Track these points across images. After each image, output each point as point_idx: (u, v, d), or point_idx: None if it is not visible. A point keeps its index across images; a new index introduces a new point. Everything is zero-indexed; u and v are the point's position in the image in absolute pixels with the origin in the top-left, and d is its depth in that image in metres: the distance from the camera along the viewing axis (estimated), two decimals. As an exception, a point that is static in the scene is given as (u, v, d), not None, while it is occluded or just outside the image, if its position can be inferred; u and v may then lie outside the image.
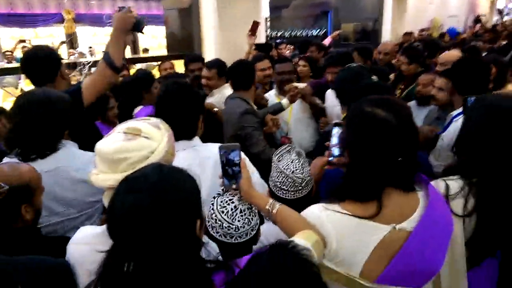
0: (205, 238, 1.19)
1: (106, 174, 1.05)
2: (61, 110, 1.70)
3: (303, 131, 3.13)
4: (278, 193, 1.50)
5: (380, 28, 10.40)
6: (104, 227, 1.12)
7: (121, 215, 0.85)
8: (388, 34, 10.05)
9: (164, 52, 9.26)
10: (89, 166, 1.69)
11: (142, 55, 10.89)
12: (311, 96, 3.07)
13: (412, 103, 3.03)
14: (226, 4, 5.81)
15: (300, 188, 1.48)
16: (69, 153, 1.72)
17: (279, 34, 10.80)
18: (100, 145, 1.07)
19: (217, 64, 3.25)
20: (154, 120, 1.18)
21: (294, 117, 3.13)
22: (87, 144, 1.90)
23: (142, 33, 2.24)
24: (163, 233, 0.85)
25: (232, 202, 1.32)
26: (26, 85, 4.36)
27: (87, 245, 1.09)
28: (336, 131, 1.48)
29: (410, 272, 1.07)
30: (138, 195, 0.86)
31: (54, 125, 1.67)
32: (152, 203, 0.85)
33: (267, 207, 1.25)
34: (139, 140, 1.07)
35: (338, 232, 1.08)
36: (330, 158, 1.50)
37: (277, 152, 1.57)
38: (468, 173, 1.31)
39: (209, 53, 5.73)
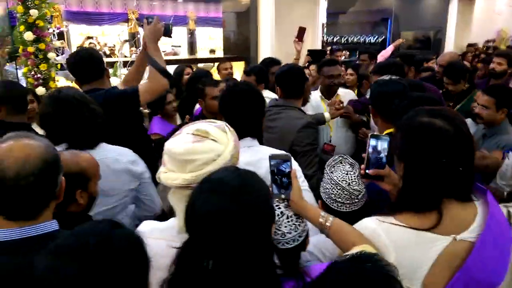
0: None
1: (174, 173, 1.07)
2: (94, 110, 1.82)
3: (344, 140, 3.05)
4: (332, 205, 1.46)
5: (443, 38, 9.96)
6: (168, 222, 1.18)
7: (205, 214, 0.88)
8: (451, 44, 9.60)
9: (220, 54, 9.46)
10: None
11: (208, 55, 11.17)
12: (354, 114, 2.98)
13: (468, 121, 2.88)
14: (283, 9, 5.83)
15: (356, 200, 1.44)
16: (103, 146, 1.84)
17: (335, 40, 10.67)
18: (170, 145, 1.09)
19: (255, 70, 3.20)
20: (220, 123, 1.20)
21: (335, 125, 3.05)
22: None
23: (170, 37, 2.41)
24: (243, 235, 0.88)
25: (279, 208, 1.31)
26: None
27: (158, 240, 1.12)
28: (373, 143, 1.42)
29: (475, 284, 1.02)
30: (222, 197, 0.89)
31: (90, 123, 1.78)
32: (235, 205, 0.88)
33: (320, 219, 1.24)
34: (207, 142, 1.09)
35: (396, 245, 1.05)
36: (366, 170, 1.42)
37: (330, 162, 1.53)
38: None
39: (265, 57, 5.76)
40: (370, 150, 1.40)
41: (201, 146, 1.08)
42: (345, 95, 3.20)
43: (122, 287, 0.79)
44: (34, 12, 3.59)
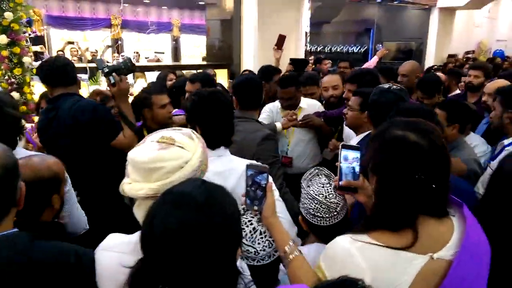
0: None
1: (139, 183, 1.01)
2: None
3: (303, 152, 2.97)
4: (312, 220, 1.40)
5: (424, 49, 10.14)
6: (132, 236, 1.10)
7: (165, 230, 0.80)
8: (432, 55, 9.79)
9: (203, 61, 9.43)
10: None
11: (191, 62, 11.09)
12: (317, 122, 2.90)
13: None
14: (267, 17, 5.84)
15: (335, 213, 1.39)
16: (19, 152, 1.78)
17: (319, 49, 10.76)
18: (134, 154, 1.04)
19: (200, 77, 3.03)
20: (186, 130, 1.15)
21: (296, 137, 2.96)
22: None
23: (134, 71, 2.44)
24: (206, 257, 0.80)
25: (251, 224, 1.26)
26: (87, 85, 4.51)
27: (119, 253, 1.06)
28: (344, 153, 1.37)
29: None
30: (185, 213, 0.81)
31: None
32: (200, 222, 0.81)
33: (286, 248, 1.20)
34: (174, 149, 1.04)
35: (371, 265, 0.99)
36: (339, 182, 1.35)
37: (306, 176, 1.48)
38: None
39: (248, 65, 5.75)
40: (342, 160, 1.36)
41: (167, 153, 1.02)
42: (309, 107, 3.05)
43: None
44: (8, 15, 3.47)
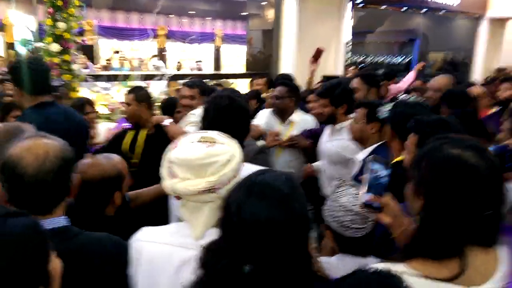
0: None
1: (193, 180, 1.06)
2: None
3: (284, 168, 2.86)
4: (346, 232, 1.37)
5: (472, 60, 9.72)
6: (168, 227, 1.19)
7: (255, 220, 0.86)
8: (480, 67, 9.36)
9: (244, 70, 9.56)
10: None
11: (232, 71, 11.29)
12: (303, 143, 2.81)
13: None
14: (307, 27, 5.84)
15: (370, 221, 1.36)
16: None
17: (360, 59, 10.60)
18: (183, 154, 1.08)
19: (198, 83, 3.00)
20: (212, 131, 1.20)
21: (281, 157, 2.90)
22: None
23: None
24: (287, 243, 0.86)
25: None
26: (117, 91, 4.72)
27: (161, 245, 1.13)
28: (373, 166, 1.27)
29: None
30: (273, 203, 0.87)
31: None
32: (286, 213, 0.87)
33: None
34: (219, 146, 1.11)
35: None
36: (365, 198, 1.26)
37: (334, 188, 1.46)
38: None
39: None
40: (369, 175, 1.27)
41: (216, 149, 1.09)
42: (302, 121, 2.96)
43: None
44: (61, 25, 3.72)
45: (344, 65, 6.45)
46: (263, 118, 3.03)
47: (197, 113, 2.76)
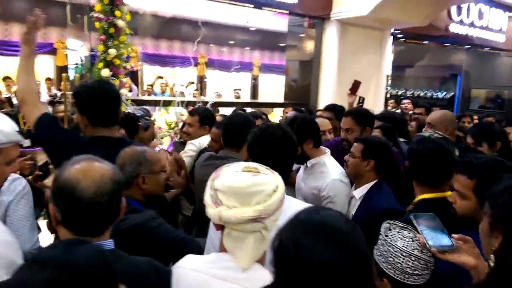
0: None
1: (239, 208, 1.05)
2: None
3: None
4: (407, 280, 1.25)
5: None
6: (212, 255, 1.17)
7: (321, 262, 0.80)
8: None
9: (280, 99, 9.64)
10: None
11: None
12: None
13: None
14: (347, 59, 5.85)
15: (432, 268, 1.25)
16: None
17: (400, 93, 10.45)
18: (229, 182, 1.07)
19: (199, 111, 3.02)
20: (253, 163, 1.19)
21: None
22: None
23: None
24: (356, 282, 0.81)
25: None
26: (160, 115, 4.87)
27: (205, 275, 1.11)
28: (422, 227, 1.23)
29: None
30: (337, 245, 0.81)
31: None
32: (351, 256, 0.81)
33: None
34: (263, 175, 1.11)
35: None
36: (437, 242, 1.21)
37: (381, 236, 1.34)
38: None
39: (325, 104, 5.76)
40: (425, 235, 1.23)
41: (261, 178, 1.09)
42: None
43: None
44: (112, 51, 3.90)
45: (385, 98, 6.37)
46: None
47: (196, 144, 2.77)
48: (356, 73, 5.15)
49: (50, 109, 4.24)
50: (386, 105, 6.34)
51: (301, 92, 6.78)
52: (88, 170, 1.09)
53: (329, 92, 5.92)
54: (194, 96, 7.77)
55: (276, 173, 1.16)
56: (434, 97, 11.00)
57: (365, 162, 2.11)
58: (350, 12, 5.62)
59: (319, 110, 4.95)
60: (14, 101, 5.91)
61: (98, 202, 1.07)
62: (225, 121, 2.33)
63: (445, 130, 2.79)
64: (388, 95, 6.65)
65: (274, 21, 10.62)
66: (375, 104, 6.12)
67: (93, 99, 1.87)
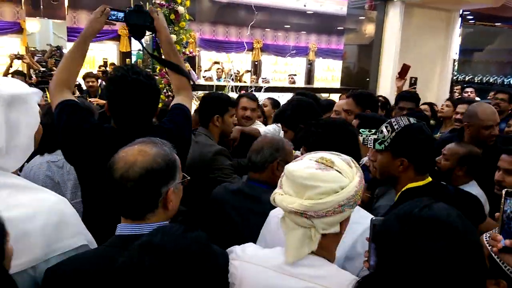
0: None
1: (291, 197, 1.02)
2: None
3: None
4: None
5: None
6: (272, 251, 1.12)
7: (431, 259, 0.78)
8: None
9: (336, 85, 9.43)
10: None
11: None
12: None
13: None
14: (410, 43, 5.56)
15: None
16: None
17: (467, 79, 9.78)
18: (292, 167, 1.04)
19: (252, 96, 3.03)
20: (345, 156, 1.10)
21: None
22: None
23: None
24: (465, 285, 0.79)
25: None
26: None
27: (263, 268, 1.08)
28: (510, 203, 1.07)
29: None
30: (450, 242, 0.79)
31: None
32: (462, 252, 0.79)
33: None
34: (332, 172, 1.01)
35: None
36: (503, 242, 1.07)
37: None
38: None
39: (384, 90, 5.54)
40: (508, 211, 1.08)
41: (326, 175, 1.00)
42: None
43: None
44: (173, 37, 4.00)
45: (450, 83, 6.00)
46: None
47: (266, 128, 2.81)
48: (419, 57, 4.89)
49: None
50: (452, 91, 5.97)
51: (359, 77, 6.58)
52: (128, 153, 1.09)
53: (389, 77, 5.68)
54: (251, 81, 7.78)
55: (357, 176, 1.05)
56: (505, 83, 10.17)
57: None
58: (416, -7, 5.32)
59: (379, 96, 4.78)
60: (83, 87, 6.29)
61: (123, 186, 1.06)
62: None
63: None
64: (454, 82, 6.25)
65: (332, 3, 10.33)
66: (440, 90, 5.79)
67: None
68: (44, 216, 1.09)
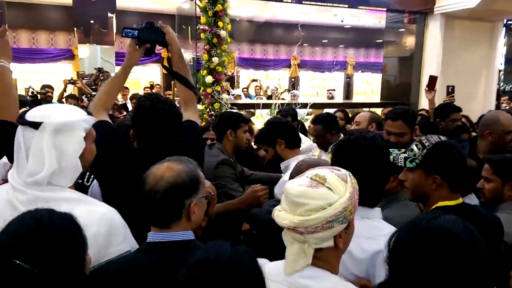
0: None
1: (285, 213, 1.08)
2: None
3: None
4: None
5: None
6: (278, 263, 1.17)
7: (441, 267, 0.83)
8: None
9: (376, 98, 9.32)
10: None
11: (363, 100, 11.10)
12: None
13: None
14: (453, 54, 5.46)
15: None
16: None
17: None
18: (288, 185, 1.11)
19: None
20: (344, 171, 1.12)
21: None
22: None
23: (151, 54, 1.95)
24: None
25: None
26: (256, 118, 5.07)
27: (274, 282, 1.09)
28: None
29: None
30: (458, 254, 0.84)
31: None
32: (467, 263, 0.83)
33: None
34: (321, 189, 1.05)
35: None
36: None
37: None
38: None
39: (426, 102, 5.45)
40: None
41: (314, 192, 1.05)
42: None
43: None
44: (215, 60, 4.19)
45: (497, 94, 5.81)
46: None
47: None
48: (463, 68, 4.80)
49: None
50: (498, 101, 5.77)
51: (399, 90, 6.50)
52: (158, 169, 1.24)
53: (431, 90, 5.58)
54: (292, 98, 7.86)
55: (348, 192, 1.06)
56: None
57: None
58: (456, 5, 5.24)
59: (421, 109, 4.71)
60: (130, 107, 6.64)
61: (151, 198, 1.21)
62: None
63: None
64: (501, 92, 6.03)
65: (370, 17, 10.30)
66: (486, 101, 5.61)
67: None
68: (95, 226, 1.24)
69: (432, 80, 4.11)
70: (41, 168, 1.25)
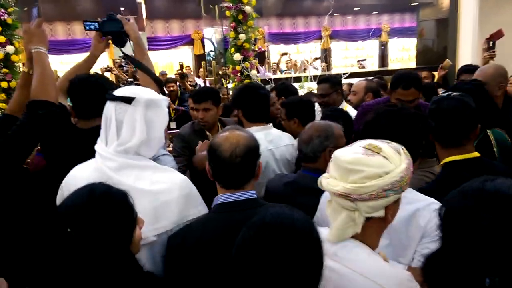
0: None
1: (336, 181, 1.07)
2: None
3: None
4: None
5: None
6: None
7: (494, 229, 0.81)
8: None
9: (413, 65, 8.99)
10: None
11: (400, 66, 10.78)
12: None
13: None
14: (490, 13, 5.15)
15: None
16: None
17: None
18: (340, 153, 1.09)
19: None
20: (395, 144, 1.11)
21: None
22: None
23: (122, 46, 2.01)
24: None
25: None
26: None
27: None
28: None
29: None
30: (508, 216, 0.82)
31: None
32: None
33: None
34: (377, 157, 1.05)
35: None
36: None
37: None
38: None
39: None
40: None
41: (370, 160, 1.04)
42: None
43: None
44: (242, 36, 4.21)
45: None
46: None
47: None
48: (501, 27, 4.52)
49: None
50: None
51: (436, 55, 6.25)
52: (229, 136, 1.35)
53: (468, 51, 5.32)
54: (323, 70, 7.76)
55: (404, 162, 1.06)
56: None
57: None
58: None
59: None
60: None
61: (232, 162, 1.31)
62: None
63: (498, 87, 2.47)
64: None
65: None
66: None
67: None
68: (178, 189, 1.41)
69: (498, 35, 3.59)
70: (132, 138, 1.39)
